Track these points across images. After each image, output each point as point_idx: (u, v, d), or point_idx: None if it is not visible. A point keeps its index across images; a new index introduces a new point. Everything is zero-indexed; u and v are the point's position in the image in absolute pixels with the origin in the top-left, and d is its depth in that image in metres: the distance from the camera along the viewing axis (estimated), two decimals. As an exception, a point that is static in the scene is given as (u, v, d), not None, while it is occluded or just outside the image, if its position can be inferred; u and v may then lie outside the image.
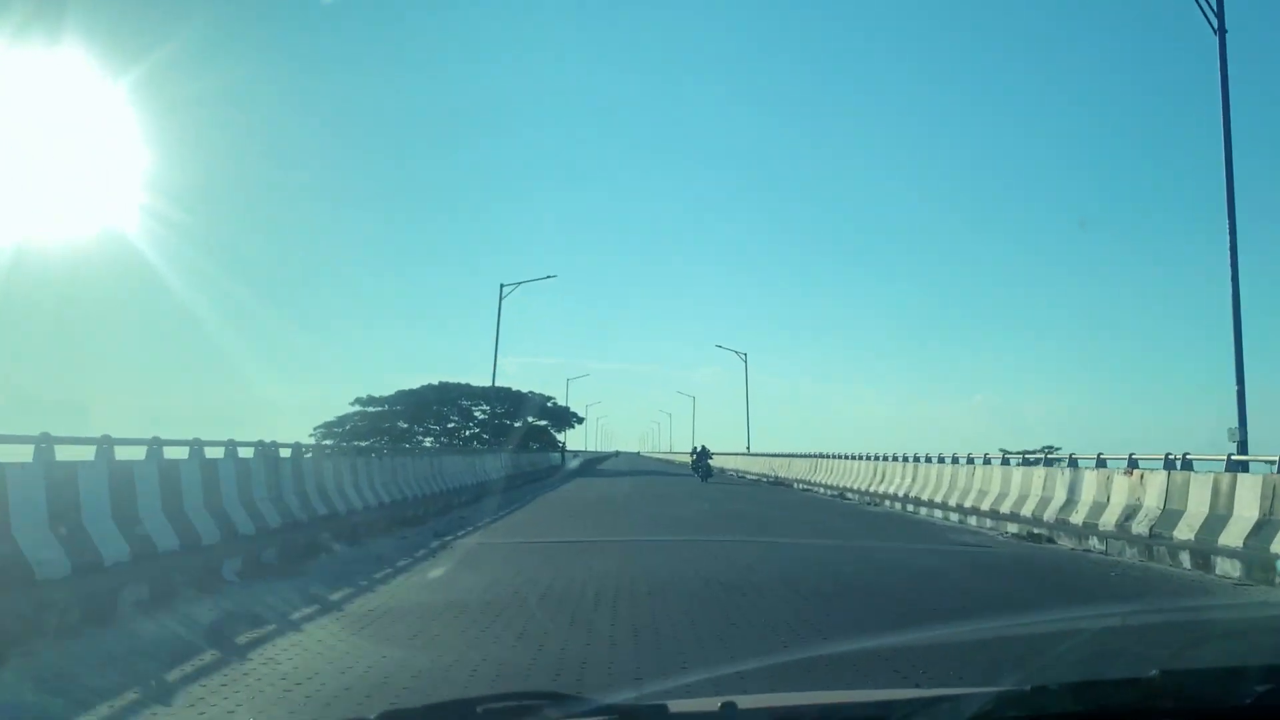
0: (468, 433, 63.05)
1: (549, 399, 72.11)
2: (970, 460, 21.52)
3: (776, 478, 44.05)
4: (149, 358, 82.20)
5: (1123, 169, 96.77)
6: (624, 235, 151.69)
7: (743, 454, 57.85)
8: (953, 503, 21.03)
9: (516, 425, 58.54)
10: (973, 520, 18.93)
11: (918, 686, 4.19)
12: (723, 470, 50.48)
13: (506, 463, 35.75)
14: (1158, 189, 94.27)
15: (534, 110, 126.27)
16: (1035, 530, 15.95)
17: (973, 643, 6.37)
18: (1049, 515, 16.37)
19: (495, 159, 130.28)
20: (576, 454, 70.73)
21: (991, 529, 17.53)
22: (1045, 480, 17.30)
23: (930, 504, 22.22)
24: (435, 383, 65.22)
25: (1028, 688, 1.66)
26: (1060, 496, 16.45)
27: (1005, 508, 18.18)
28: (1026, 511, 17.23)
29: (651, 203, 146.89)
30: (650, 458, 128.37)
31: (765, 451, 58.33)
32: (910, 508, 23.02)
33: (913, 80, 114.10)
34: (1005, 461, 23.44)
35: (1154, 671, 1.66)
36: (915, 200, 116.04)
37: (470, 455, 31.59)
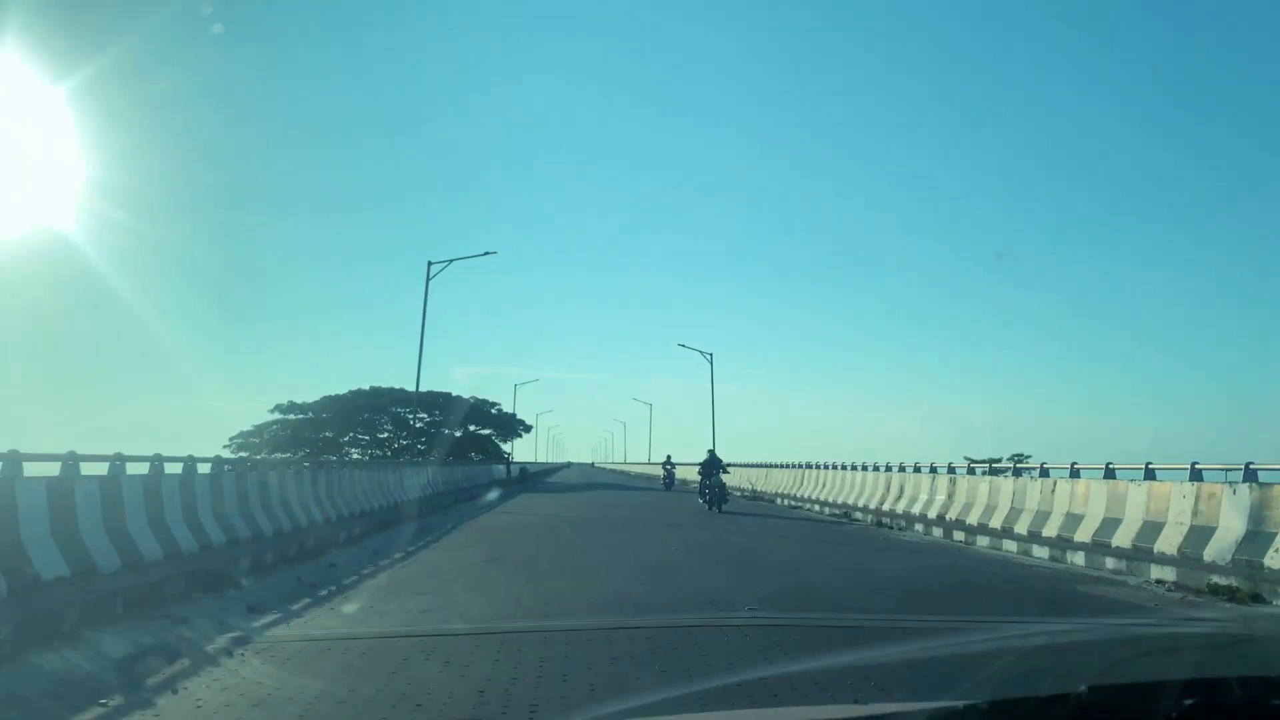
0: (401, 443, 56.70)
1: (492, 405, 65.33)
2: (1044, 473, 15.96)
3: (754, 491, 38.61)
4: (70, 364, 74.77)
5: (1061, 184, 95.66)
6: (573, 239, 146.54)
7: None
8: (1022, 530, 15.48)
9: (457, 435, 52.39)
10: (1076, 558, 13.34)
11: (856, 703, 3.56)
12: (685, 482, 44.40)
13: (434, 478, 29.41)
14: (1098, 204, 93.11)
15: (478, 110, 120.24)
16: (1216, 580, 10.42)
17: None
18: (1217, 554, 10.86)
19: (438, 159, 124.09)
20: (524, 466, 63.00)
21: (1124, 574, 11.84)
22: (1196, 501, 11.78)
23: (985, 530, 16.70)
24: (366, 388, 59.11)
25: (960, 705, 1.69)
26: (1234, 526, 10.93)
27: (1123, 540, 12.63)
28: (1167, 548, 11.71)
29: (601, 209, 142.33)
30: (604, 469, 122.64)
31: (731, 461, 52.90)
32: (958, 535, 17.47)
33: (864, 94, 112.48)
34: (971, 471, 19.07)
35: (1083, 687, 1.64)
36: (865, 212, 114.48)
37: (384, 470, 25.25)
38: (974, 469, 19.42)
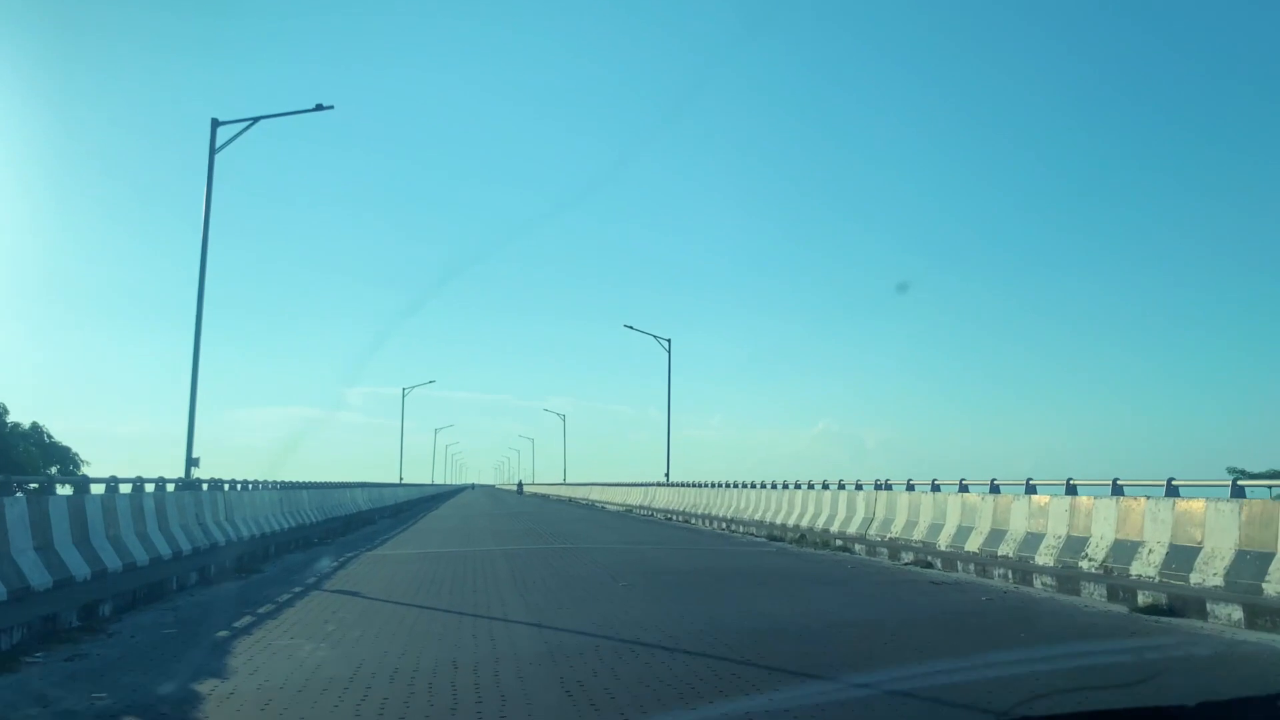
0: None
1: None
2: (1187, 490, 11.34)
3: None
4: None
5: (961, 208, 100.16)
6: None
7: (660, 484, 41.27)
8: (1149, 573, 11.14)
9: None
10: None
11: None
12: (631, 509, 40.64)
13: None
14: (995, 225, 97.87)
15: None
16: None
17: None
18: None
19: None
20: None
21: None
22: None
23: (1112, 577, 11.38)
24: None
25: None
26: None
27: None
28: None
29: (490, 230, 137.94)
30: (534, 495, 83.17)
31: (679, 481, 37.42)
32: (1111, 591, 10.76)
33: (754, 107, 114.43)
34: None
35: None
36: (759, 232, 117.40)
37: None
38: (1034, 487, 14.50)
